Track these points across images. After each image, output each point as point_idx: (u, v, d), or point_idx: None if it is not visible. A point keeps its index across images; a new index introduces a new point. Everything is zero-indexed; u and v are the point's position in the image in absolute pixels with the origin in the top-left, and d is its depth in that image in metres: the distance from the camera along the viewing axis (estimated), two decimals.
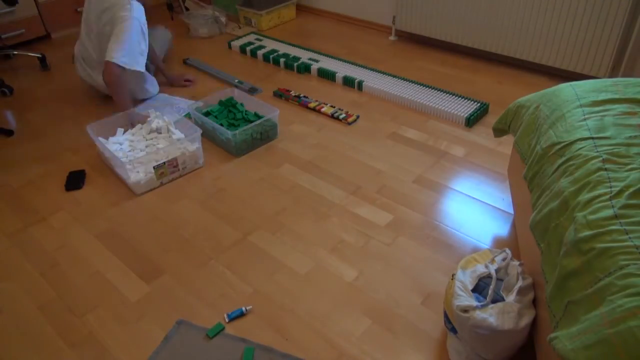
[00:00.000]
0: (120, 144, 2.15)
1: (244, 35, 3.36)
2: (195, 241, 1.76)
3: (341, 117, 2.41)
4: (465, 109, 2.39)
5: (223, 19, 3.48)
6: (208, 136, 2.31)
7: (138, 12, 2.27)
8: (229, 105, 2.39)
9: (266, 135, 2.26)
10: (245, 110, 2.37)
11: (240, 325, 1.45)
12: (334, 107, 2.51)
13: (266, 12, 3.44)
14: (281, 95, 2.62)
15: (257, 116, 2.31)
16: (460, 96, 2.50)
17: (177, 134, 2.17)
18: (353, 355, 1.36)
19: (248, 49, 3.13)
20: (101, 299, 1.55)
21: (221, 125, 2.24)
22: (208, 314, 1.49)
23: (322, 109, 2.48)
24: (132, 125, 2.25)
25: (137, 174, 1.97)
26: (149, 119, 2.22)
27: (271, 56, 3.02)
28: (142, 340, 1.42)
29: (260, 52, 3.08)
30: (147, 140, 2.17)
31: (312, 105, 2.52)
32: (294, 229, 1.79)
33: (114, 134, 2.22)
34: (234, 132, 2.12)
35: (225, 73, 2.89)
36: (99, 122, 2.17)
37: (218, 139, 2.24)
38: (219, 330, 1.43)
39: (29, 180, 2.10)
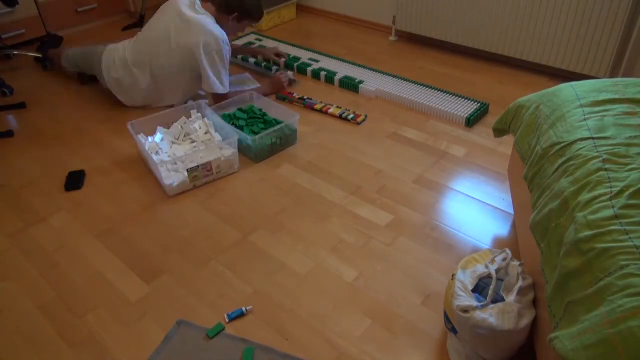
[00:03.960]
0: (160, 148, 2.11)
1: (244, 35, 3.36)
2: (195, 241, 1.76)
3: (350, 117, 2.41)
4: (465, 109, 2.39)
5: None
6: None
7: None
8: (249, 112, 2.32)
9: (285, 140, 2.21)
10: (264, 113, 2.31)
11: (240, 325, 1.45)
12: (341, 107, 2.50)
13: (266, 12, 3.44)
14: (284, 98, 2.61)
15: (277, 122, 2.24)
16: (460, 96, 2.50)
17: (217, 137, 2.14)
18: (353, 355, 1.36)
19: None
20: (101, 299, 1.55)
21: (241, 129, 2.19)
22: (208, 314, 1.49)
23: (329, 110, 2.47)
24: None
25: (171, 177, 1.96)
26: (189, 119, 2.21)
27: None
28: (142, 340, 1.42)
29: None
30: (184, 141, 2.14)
31: (318, 106, 2.50)
32: (294, 229, 1.79)
33: (153, 131, 2.19)
34: (253, 137, 2.07)
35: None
36: (139, 121, 2.15)
37: (238, 145, 2.16)
38: (219, 330, 1.43)
39: (29, 180, 2.10)
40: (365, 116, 2.44)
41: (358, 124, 2.39)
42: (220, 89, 2.35)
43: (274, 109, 2.32)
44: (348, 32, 3.44)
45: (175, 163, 1.98)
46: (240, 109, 2.33)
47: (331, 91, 2.69)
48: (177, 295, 1.55)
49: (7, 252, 1.75)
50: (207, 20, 2.28)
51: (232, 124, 2.24)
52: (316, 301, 1.52)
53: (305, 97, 2.60)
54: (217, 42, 2.26)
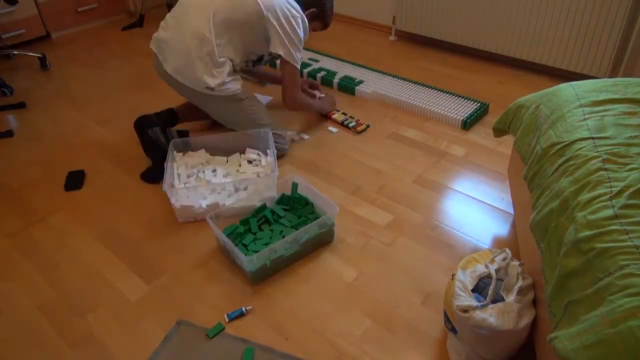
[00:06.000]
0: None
1: None
2: (195, 241, 1.76)
3: (351, 125, 2.35)
4: (465, 109, 2.39)
5: None
6: None
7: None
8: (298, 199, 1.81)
9: (317, 239, 1.67)
10: (305, 204, 1.78)
11: (240, 325, 1.45)
12: (345, 114, 2.44)
13: None
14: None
15: (315, 216, 1.73)
16: (460, 96, 2.50)
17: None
18: (353, 355, 1.36)
19: None
20: (101, 299, 1.55)
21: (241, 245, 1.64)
22: (208, 314, 1.49)
23: (334, 116, 2.41)
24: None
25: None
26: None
27: None
28: (142, 340, 1.42)
29: None
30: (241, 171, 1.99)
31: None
32: None
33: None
34: (250, 257, 1.49)
35: None
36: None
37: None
38: (219, 330, 1.43)
39: (29, 180, 2.10)
40: (367, 126, 2.36)
41: (358, 133, 2.32)
42: (293, 59, 2.04)
43: (314, 195, 1.79)
44: (348, 32, 3.44)
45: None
46: (285, 196, 1.82)
47: (330, 91, 2.69)
48: (177, 295, 1.55)
49: (7, 252, 1.75)
50: None
51: (271, 211, 1.75)
52: (316, 301, 1.52)
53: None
54: (292, 11, 1.99)
